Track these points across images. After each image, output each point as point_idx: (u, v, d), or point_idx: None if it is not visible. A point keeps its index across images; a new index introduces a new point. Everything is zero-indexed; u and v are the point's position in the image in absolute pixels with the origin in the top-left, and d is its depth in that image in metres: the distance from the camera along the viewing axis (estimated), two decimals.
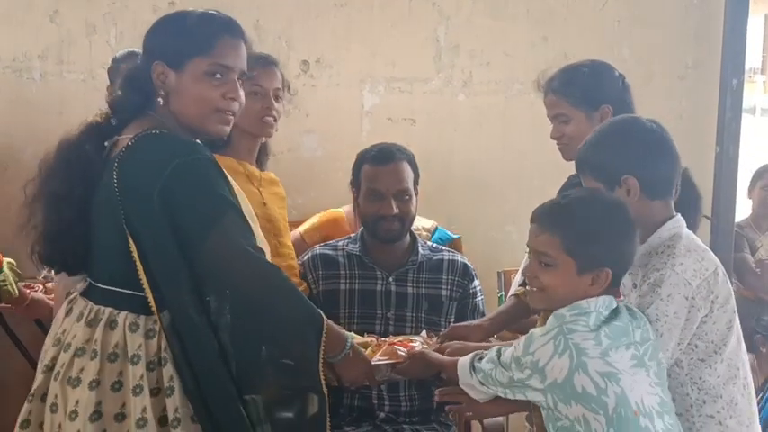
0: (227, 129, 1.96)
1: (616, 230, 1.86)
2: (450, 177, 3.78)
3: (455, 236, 3.22)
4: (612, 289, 1.88)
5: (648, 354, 1.85)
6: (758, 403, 3.46)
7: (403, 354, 2.19)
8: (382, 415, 2.58)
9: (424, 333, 2.39)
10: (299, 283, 2.64)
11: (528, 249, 1.92)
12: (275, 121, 2.57)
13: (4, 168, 3.32)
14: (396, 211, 2.58)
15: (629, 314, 1.88)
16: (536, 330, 1.83)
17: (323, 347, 1.86)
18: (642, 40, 3.87)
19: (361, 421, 2.57)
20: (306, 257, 2.73)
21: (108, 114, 1.97)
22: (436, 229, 3.24)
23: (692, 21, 3.91)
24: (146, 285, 1.81)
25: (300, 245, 2.94)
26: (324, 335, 1.87)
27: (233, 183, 1.98)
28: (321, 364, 1.86)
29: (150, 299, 1.81)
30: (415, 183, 2.68)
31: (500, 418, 2.49)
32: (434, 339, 2.33)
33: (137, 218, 1.82)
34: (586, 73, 2.53)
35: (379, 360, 2.16)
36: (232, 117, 1.95)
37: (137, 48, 2.12)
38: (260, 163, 2.71)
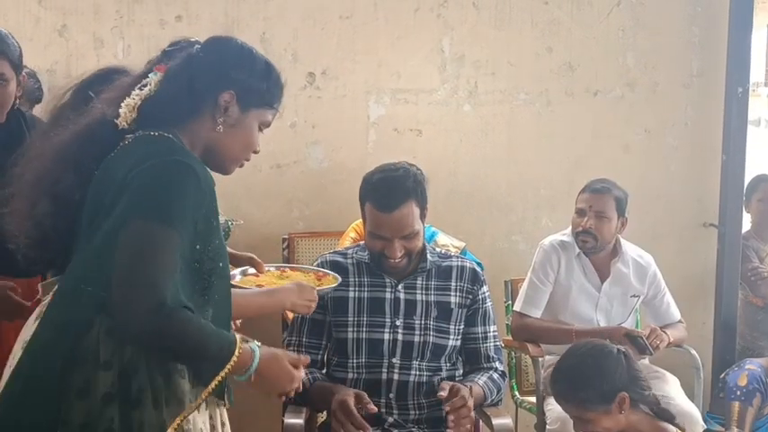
0: None
1: None
2: (456, 187, 3.79)
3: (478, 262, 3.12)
4: None
5: None
6: None
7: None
8: (391, 419, 2.57)
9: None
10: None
11: None
12: None
13: None
14: (400, 253, 2.52)
15: None
16: None
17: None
18: (647, 49, 3.88)
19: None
20: (316, 263, 2.71)
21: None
22: (464, 250, 3.22)
23: (696, 29, 3.92)
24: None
25: None
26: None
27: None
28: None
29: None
30: (423, 209, 2.55)
31: (510, 422, 2.49)
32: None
33: (102, 204, 1.72)
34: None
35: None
36: None
37: (143, 60, 2.06)
38: None
